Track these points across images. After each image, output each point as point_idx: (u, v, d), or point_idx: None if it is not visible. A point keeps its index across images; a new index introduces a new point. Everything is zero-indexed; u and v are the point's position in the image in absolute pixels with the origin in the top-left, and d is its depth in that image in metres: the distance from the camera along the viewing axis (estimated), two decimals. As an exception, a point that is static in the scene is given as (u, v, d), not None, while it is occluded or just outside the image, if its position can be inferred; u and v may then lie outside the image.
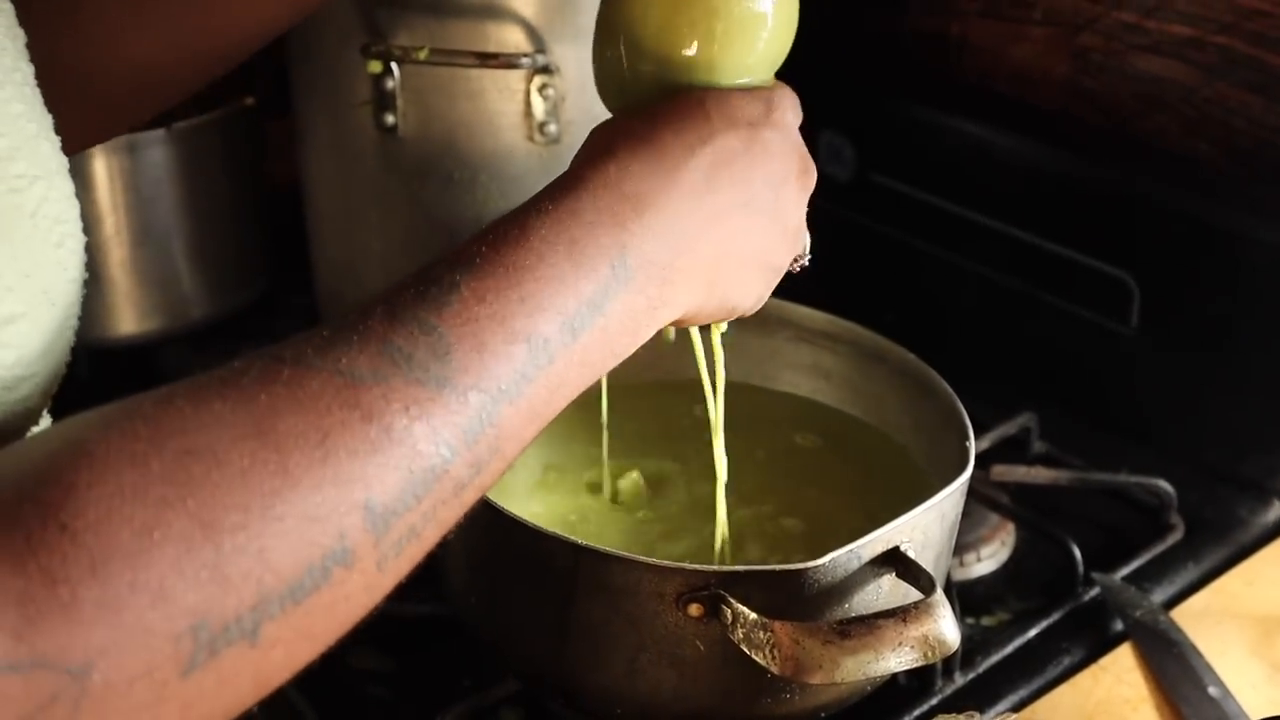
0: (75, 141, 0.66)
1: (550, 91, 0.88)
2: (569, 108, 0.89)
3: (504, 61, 0.85)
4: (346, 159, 0.95)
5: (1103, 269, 0.98)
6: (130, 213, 1.02)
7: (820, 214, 1.14)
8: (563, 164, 0.92)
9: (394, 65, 0.87)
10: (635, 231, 0.49)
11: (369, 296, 0.45)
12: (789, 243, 0.57)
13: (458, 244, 0.47)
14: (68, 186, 0.50)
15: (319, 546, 0.39)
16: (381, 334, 0.42)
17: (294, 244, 1.05)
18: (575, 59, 0.88)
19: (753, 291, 0.56)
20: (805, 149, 0.57)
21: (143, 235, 1.03)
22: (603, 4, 0.58)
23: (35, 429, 0.48)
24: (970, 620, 0.83)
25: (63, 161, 0.50)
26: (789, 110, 0.56)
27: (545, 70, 0.87)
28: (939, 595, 0.58)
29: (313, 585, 0.39)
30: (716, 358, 0.67)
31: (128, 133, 0.95)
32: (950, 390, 0.76)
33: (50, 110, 0.51)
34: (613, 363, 0.50)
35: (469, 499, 0.44)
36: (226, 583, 0.37)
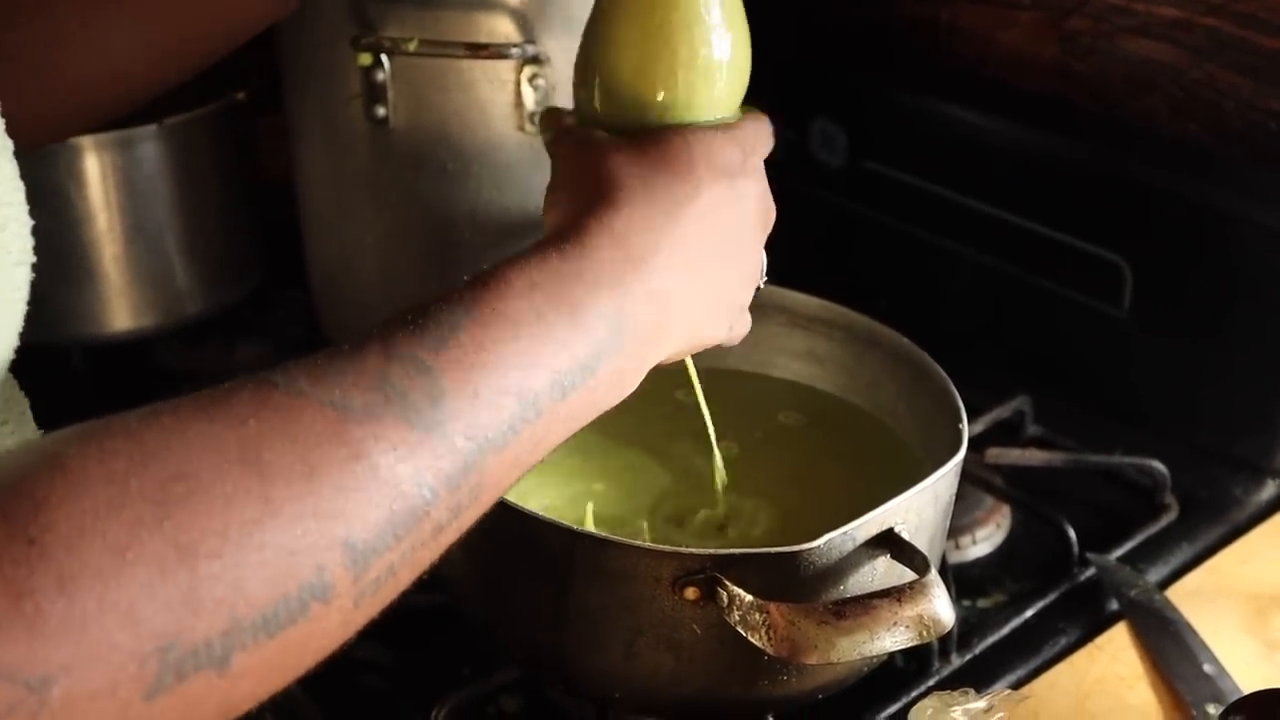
0: (47, 134, 0.66)
1: (540, 81, 0.88)
2: (559, 98, 0.89)
3: (494, 52, 0.85)
4: (338, 152, 0.95)
5: (1095, 252, 0.99)
6: (123, 209, 1.02)
7: (814, 201, 1.16)
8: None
9: (384, 57, 0.87)
10: (635, 295, 0.50)
11: (366, 327, 0.45)
12: (754, 279, 0.60)
13: (458, 284, 0.48)
14: (10, 169, 0.48)
15: (296, 579, 0.38)
16: (377, 369, 0.42)
17: (287, 238, 1.05)
18: (565, 49, 0.88)
19: (722, 328, 0.59)
20: (769, 191, 0.59)
21: (136, 231, 1.03)
22: (581, 45, 0.60)
23: None
24: (966, 602, 0.83)
25: (6, 144, 0.48)
26: (762, 148, 0.59)
27: (535, 60, 0.87)
28: (933, 575, 0.58)
29: (288, 618, 0.38)
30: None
31: (104, 129, 0.95)
32: (943, 373, 0.76)
33: (17, 101, 0.50)
34: (595, 415, 0.51)
35: (445, 541, 0.44)
36: (199, 608, 0.36)
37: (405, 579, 0.43)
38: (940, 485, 0.66)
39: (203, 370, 1.05)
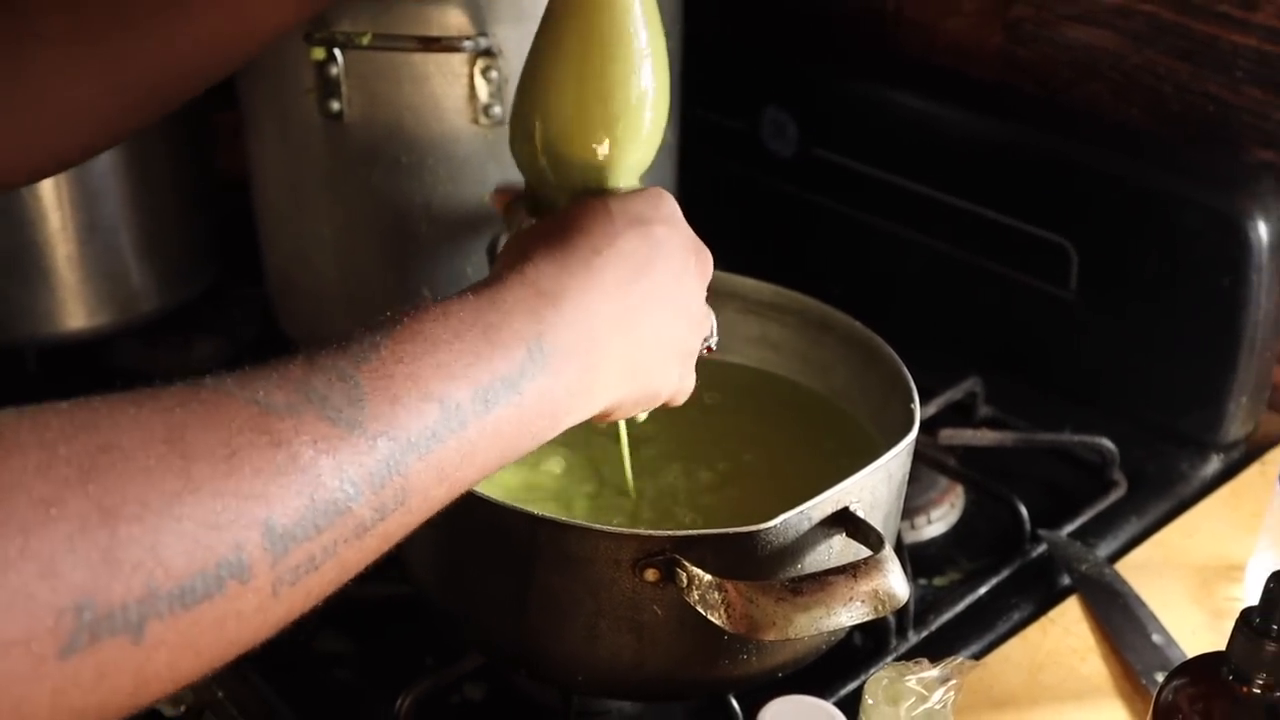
0: (13, 176, 0.66)
1: (493, 74, 0.89)
2: (513, 88, 0.90)
3: (446, 45, 0.85)
4: (293, 147, 0.95)
5: (1042, 235, 1.01)
6: (76, 207, 1.02)
7: (765, 189, 1.17)
8: (508, 145, 0.94)
9: (337, 51, 0.87)
10: (552, 322, 0.52)
11: (322, 322, 0.48)
12: (696, 328, 0.62)
13: (415, 277, 0.50)
14: None
15: (214, 553, 0.39)
16: (300, 376, 0.44)
17: (244, 233, 1.06)
18: (517, 40, 0.89)
19: (671, 378, 0.61)
20: (697, 238, 0.62)
21: (90, 230, 1.03)
22: (515, 103, 0.64)
23: None
24: (923, 581, 0.85)
25: None
26: (674, 205, 0.61)
27: (488, 53, 0.88)
28: (888, 551, 0.60)
29: (204, 592, 0.39)
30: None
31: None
32: (895, 356, 0.77)
33: None
34: (531, 444, 0.53)
35: (371, 546, 0.46)
36: (116, 568, 0.37)
37: (330, 576, 0.44)
38: (893, 464, 0.68)
39: (159, 368, 1.05)
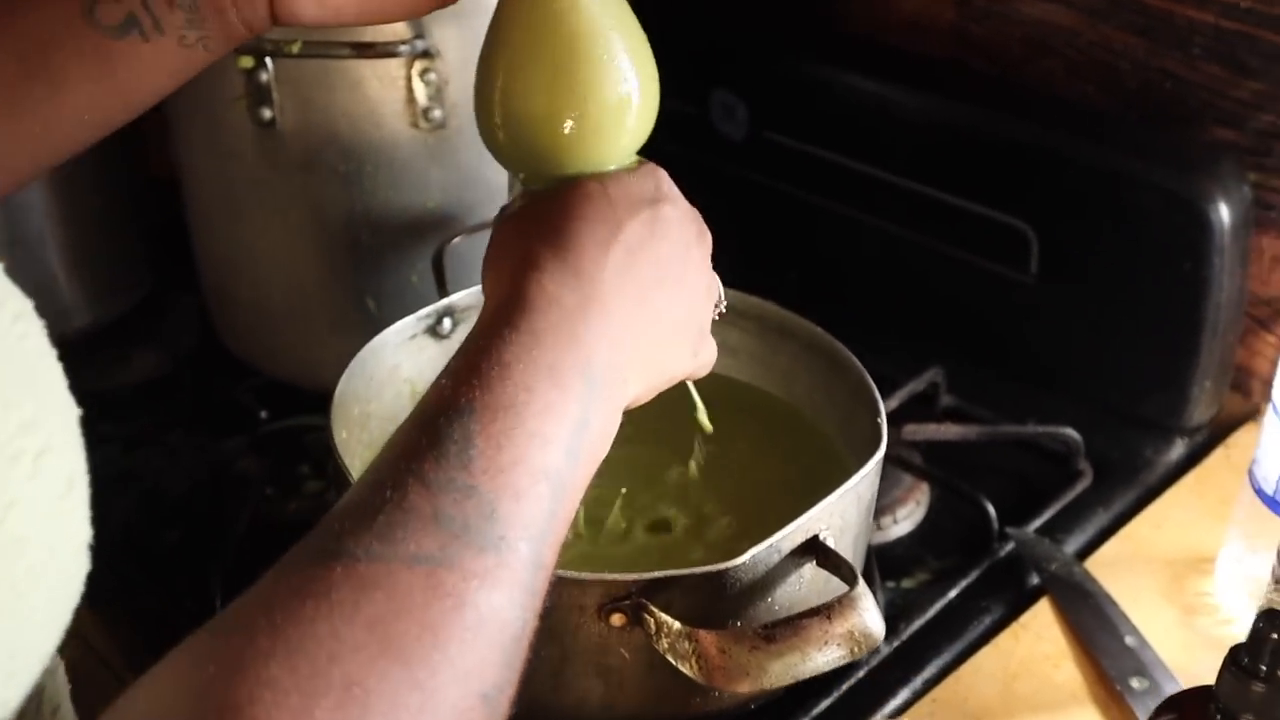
0: None
1: (432, 76, 0.85)
2: (453, 90, 0.87)
3: (382, 51, 0.82)
4: (224, 156, 0.91)
5: (1000, 219, 0.99)
6: (-2, 221, 0.97)
7: (716, 174, 1.15)
8: (451, 149, 0.90)
9: (267, 58, 0.83)
10: (590, 341, 0.50)
11: (379, 461, 0.46)
12: (706, 302, 0.59)
13: (434, 390, 0.48)
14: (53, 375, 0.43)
15: None
16: (426, 506, 0.43)
17: (178, 238, 1.01)
18: (457, 39, 0.85)
19: (685, 357, 0.58)
20: (696, 211, 0.59)
21: (11, 244, 0.99)
22: (480, 80, 0.58)
23: None
24: (891, 584, 0.84)
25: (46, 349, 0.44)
26: (668, 179, 0.58)
27: (426, 55, 0.84)
28: (861, 587, 0.58)
29: None
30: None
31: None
32: (859, 364, 0.75)
33: None
34: (595, 470, 0.51)
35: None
36: None
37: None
38: (863, 485, 0.66)
39: (95, 387, 1.00)
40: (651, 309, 0.55)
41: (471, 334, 0.50)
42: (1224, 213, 0.89)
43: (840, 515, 0.64)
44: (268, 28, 0.60)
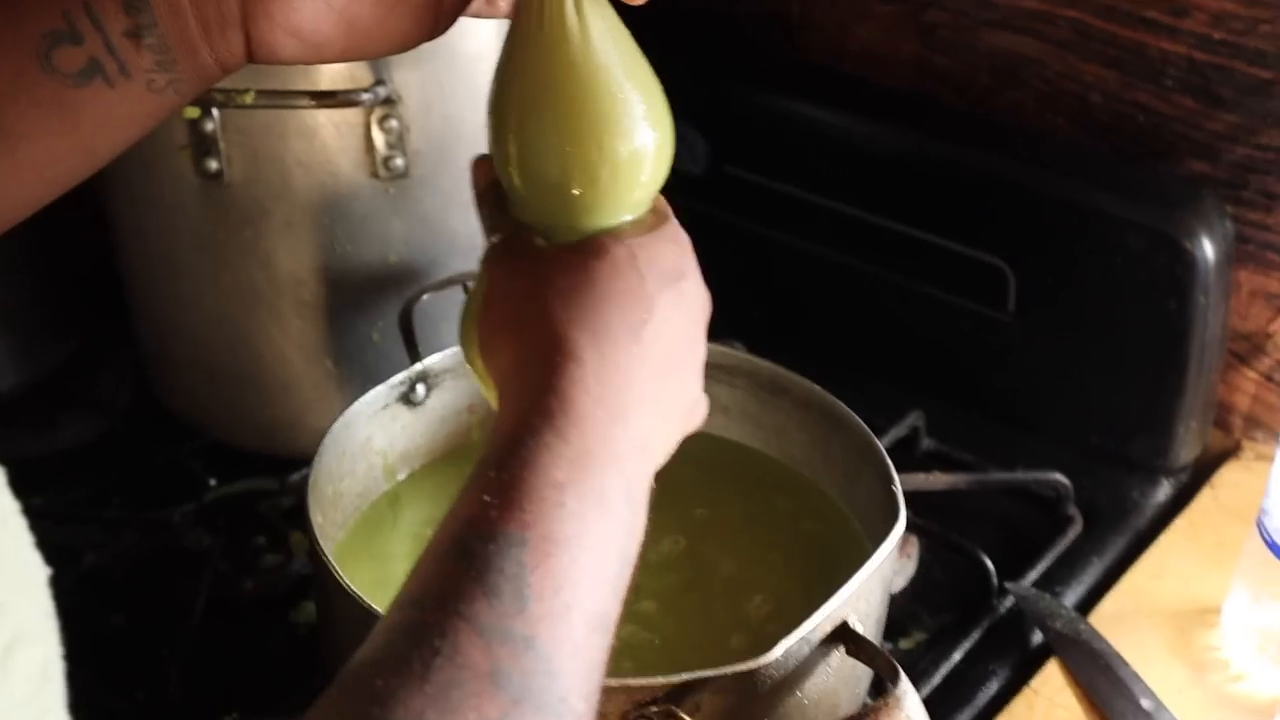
0: None
1: (393, 123, 0.80)
2: (415, 137, 0.81)
3: (343, 100, 0.76)
4: (165, 209, 0.85)
5: (974, 255, 0.96)
6: (-87, 282, 0.90)
7: (677, 211, 1.10)
8: (414, 199, 0.84)
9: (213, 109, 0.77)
10: (631, 455, 0.47)
11: (415, 594, 0.41)
12: (701, 365, 0.56)
13: (473, 505, 0.43)
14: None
15: None
16: (485, 663, 0.39)
17: (106, 287, 0.94)
18: (419, 83, 0.80)
19: (691, 424, 0.56)
20: (702, 279, 0.56)
21: (-73, 304, 0.91)
22: (493, 133, 0.54)
23: None
24: (889, 645, 0.80)
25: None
26: (689, 244, 0.55)
27: (387, 101, 0.79)
28: (904, 685, 0.54)
29: None
30: None
31: None
32: (863, 424, 0.72)
33: None
34: None
35: None
36: None
37: None
38: (885, 565, 0.62)
39: (24, 453, 0.93)
40: (668, 391, 0.52)
41: (506, 430, 0.46)
42: (1208, 249, 0.87)
43: (866, 599, 0.61)
44: (242, 66, 0.55)
